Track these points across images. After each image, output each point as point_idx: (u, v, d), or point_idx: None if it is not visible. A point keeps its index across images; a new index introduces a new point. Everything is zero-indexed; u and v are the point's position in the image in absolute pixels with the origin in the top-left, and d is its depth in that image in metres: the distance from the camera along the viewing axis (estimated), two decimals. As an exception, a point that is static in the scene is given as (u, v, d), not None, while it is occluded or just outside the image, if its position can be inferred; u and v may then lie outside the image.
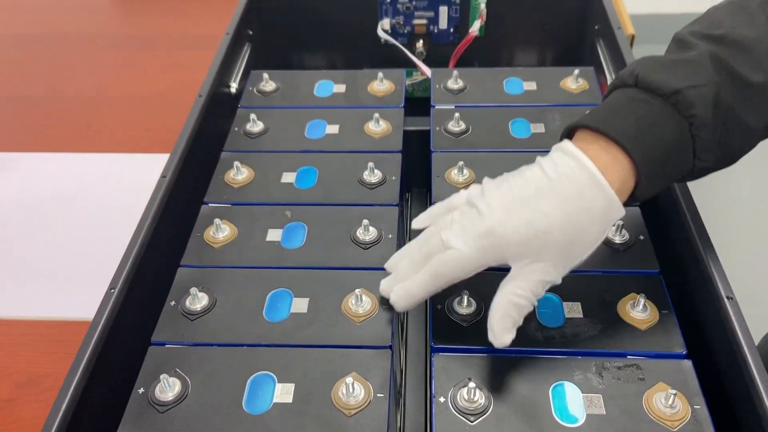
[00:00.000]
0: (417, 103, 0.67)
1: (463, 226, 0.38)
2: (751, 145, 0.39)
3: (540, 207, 0.36)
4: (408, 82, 0.76)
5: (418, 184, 0.70)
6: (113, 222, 0.72)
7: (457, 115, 0.57)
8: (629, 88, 0.38)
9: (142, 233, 0.45)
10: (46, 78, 0.97)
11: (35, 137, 0.86)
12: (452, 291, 0.43)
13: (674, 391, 0.36)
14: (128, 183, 0.78)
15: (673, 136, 0.36)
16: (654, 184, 0.37)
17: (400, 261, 0.42)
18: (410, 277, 0.40)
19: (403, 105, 0.60)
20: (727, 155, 0.38)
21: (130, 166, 0.81)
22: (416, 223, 0.43)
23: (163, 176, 0.49)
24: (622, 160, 0.36)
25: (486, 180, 0.40)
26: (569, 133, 0.40)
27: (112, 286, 0.42)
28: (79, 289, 0.66)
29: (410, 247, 0.42)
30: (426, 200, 0.69)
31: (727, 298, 0.38)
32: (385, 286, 0.42)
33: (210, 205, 0.51)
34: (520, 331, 0.41)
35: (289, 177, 0.53)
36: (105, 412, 0.39)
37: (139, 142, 0.85)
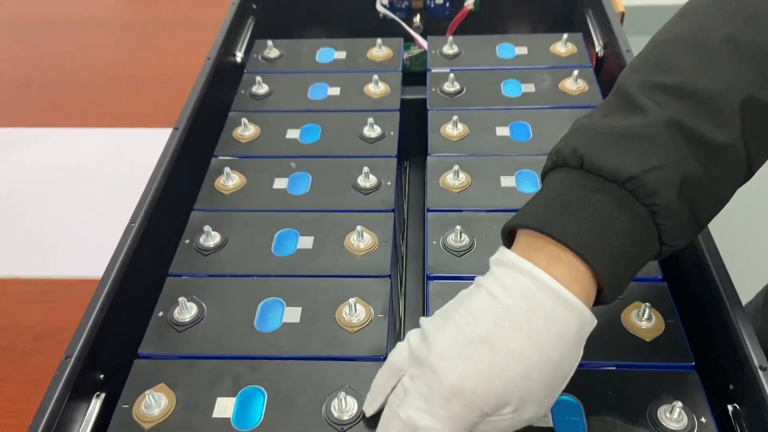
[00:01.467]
0: (414, 77, 0.70)
1: (421, 393, 0.30)
2: (720, 209, 0.33)
3: (507, 346, 0.29)
4: (406, 55, 0.79)
5: (416, 153, 0.73)
6: (124, 190, 0.75)
7: (452, 76, 0.60)
8: (573, 170, 0.32)
9: (159, 176, 0.49)
10: (56, 61, 1.00)
11: (48, 115, 0.90)
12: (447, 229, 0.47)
13: (648, 304, 0.39)
14: (138, 154, 0.81)
15: (634, 228, 0.30)
16: (619, 286, 0.31)
17: None
18: None
19: (401, 69, 0.63)
20: (696, 229, 0.33)
21: (139, 139, 0.84)
22: (369, 410, 0.35)
23: (175, 128, 0.53)
24: (579, 268, 0.30)
25: (423, 320, 0.33)
26: (508, 236, 0.34)
27: (132, 221, 0.45)
28: (92, 251, 0.69)
29: None
30: (424, 168, 0.72)
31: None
32: None
33: (219, 158, 0.55)
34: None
35: (293, 133, 0.57)
36: (126, 335, 0.42)
37: (147, 118, 0.89)
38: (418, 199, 0.69)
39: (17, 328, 0.63)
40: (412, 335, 0.33)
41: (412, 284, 0.56)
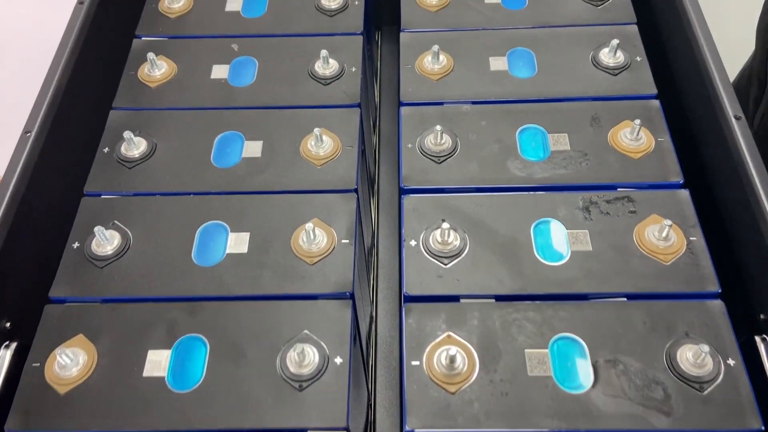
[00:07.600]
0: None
1: None
2: None
3: None
4: None
5: (388, 22, 0.63)
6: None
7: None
8: None
9: (60, 66, 0.39)
10: None
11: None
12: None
13: (669, 222, 0.32)
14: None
15: None
16: None
17: None
18: None
19: None
20: None
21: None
22: None
23: (80, 2, 0.41)
24: None
25: None
26: None
27: (26, 130, 0.36)
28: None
29: None
30: (398, 38, 0.62)
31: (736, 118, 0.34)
32: None
33: (143, 38, 0.44)
34: (499, 167, 0.37)
35: (234, 5, 0.46)
36: (34, 273, 0.35)
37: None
38: (391, 85, 0.59)
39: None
40: None
41: (386, 199, 0.49)
